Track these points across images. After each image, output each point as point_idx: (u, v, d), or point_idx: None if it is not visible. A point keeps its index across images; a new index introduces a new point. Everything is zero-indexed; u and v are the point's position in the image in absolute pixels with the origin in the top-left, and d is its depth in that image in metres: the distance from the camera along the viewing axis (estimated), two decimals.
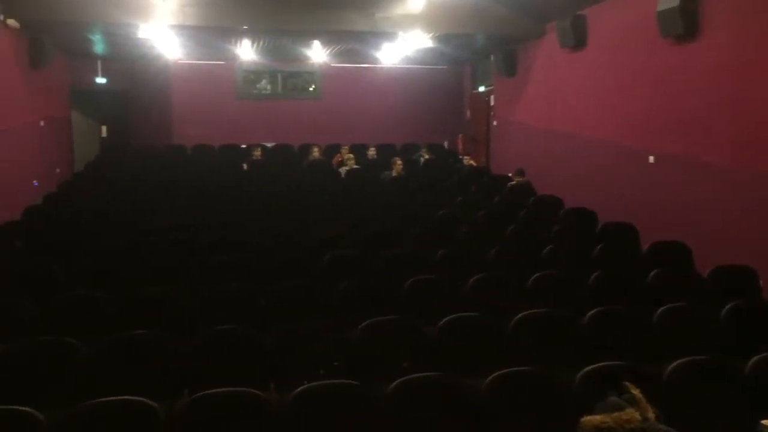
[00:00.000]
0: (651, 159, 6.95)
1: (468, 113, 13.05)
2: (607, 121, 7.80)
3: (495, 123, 11.49)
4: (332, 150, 11.35)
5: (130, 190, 8.27)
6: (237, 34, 9.75)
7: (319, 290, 4.67)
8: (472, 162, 10.77)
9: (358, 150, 11.06)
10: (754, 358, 3.32)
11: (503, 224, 6.78)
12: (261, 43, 10.58)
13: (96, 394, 2.87)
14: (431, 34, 9.20)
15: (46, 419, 2.71)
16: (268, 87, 13.11)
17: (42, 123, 9.49)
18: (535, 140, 9.73)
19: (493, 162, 11.50)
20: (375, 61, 12.18)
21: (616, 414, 1.89)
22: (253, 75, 12.89)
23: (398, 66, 12.43)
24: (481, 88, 12.40)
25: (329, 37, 10.04)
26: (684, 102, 6.45)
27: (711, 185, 6.15)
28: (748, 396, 3.18)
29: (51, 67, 9.58)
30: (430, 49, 10.35)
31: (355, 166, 10.02)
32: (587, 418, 1.90)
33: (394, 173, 9.48)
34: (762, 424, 2.68)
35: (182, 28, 8.68)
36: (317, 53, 11.56)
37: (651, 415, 1.94)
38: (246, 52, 11.23)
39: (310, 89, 13.18)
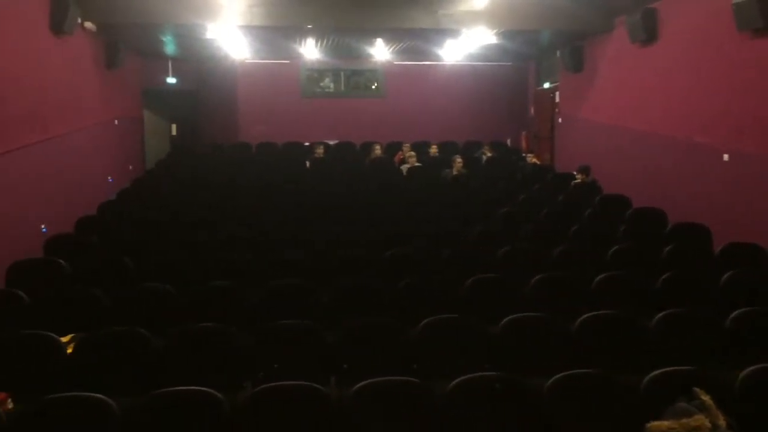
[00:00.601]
0: (725, 157, 6.68)
1: (532, 110, 12.84)
2: (679, 118, 7.52)
3: (560, 120, 11.26)
4: (394, 148, 11.39)
5: (198, 187, 8.52)
6: (301, 33, 9.90)
7: (380, 287, 4.70)
8: (535, 160, 10.61)
9: (420, 148, 11.08)
10: None
11: (567, 223, 6.65)
12: (324, 41, 10.71)
13: (164, 384, 2.98)
14: (495, 31, 9.08)
15: (118, 406, 2.83)
16: (331, 85, 13.25)
17: (116, 122, 9.87)
18: (601, 137, 9.49)
19: (558, 160, 11.28)
20: (437, 58, 12.13)
21: (684, 420, 1.84)
22: (316, 74, 13.07)
23: (461, 63, 12.32)
24: (546, 85, 12.18)
25: (392, 34, 10.06)
26: (761, 98, 6.16)
27: None
28: None
29: (124, 67, 9.99)
30: (494, 46, 10.22)
31: (417, 164, 10.03)
32: (654, 423, 1.86)
33: (454, 171, 9.44)
34: None
35: (249, 28, 8.89)
36: (380, 51, 11.61)
37: (722, 422, 1.88)
38: (310, 50, 11.38)
39: (373, 87, 13.26)
